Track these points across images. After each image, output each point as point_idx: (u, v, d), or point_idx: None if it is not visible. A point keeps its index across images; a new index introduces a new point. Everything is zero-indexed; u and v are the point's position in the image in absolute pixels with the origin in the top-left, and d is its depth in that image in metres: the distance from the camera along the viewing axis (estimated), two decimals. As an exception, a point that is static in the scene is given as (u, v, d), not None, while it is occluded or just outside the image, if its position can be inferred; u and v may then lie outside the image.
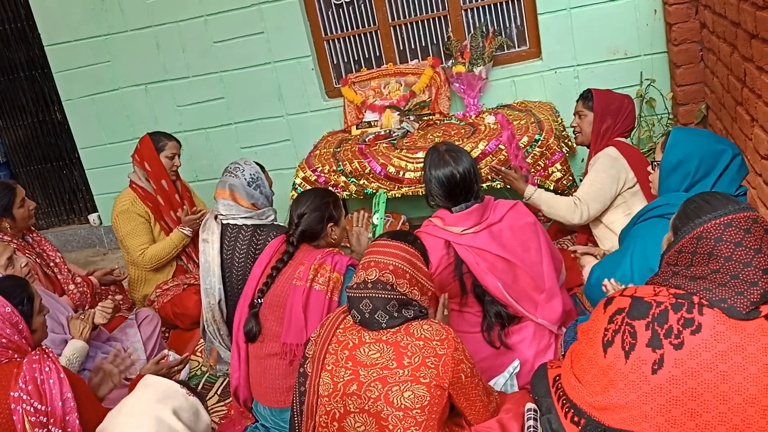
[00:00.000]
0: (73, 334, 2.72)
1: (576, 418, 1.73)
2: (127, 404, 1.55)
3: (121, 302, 3.54)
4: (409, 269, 1.98)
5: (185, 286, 3.61)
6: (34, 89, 5.06)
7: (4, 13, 4.90)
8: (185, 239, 3.59)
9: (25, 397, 1.91)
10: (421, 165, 3.58)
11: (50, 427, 1.93)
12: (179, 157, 3.68)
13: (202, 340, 3.20)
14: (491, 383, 2.33)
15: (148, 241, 3.57)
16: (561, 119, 3.93)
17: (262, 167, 3.11)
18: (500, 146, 3.56)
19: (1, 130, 5.26)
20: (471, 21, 4.19)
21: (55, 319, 2.79)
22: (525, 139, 3.54)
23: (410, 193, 3.69)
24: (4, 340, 1.99)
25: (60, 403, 1.95)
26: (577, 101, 3.12)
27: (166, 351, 2.79)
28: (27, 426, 1.89)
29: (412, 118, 4.10)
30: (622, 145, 2.99)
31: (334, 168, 3.82)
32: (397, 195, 3.73)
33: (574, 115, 3.14)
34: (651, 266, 2.15)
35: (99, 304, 2.88)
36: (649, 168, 2.51)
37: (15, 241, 3.12)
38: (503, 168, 3.17)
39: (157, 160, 3.58)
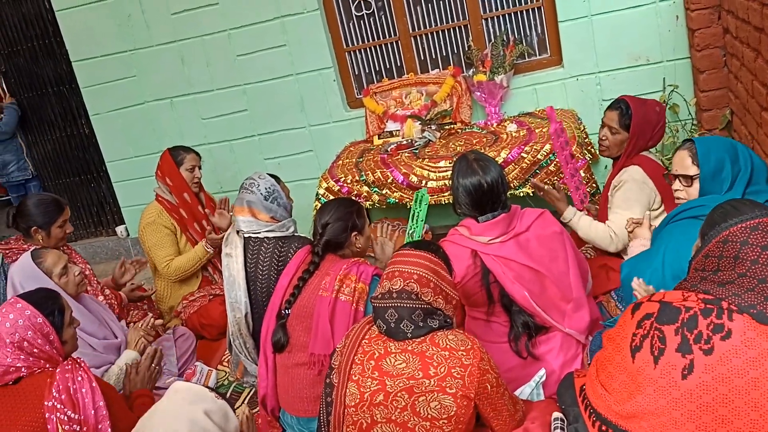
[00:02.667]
0: (129, 344, 2.79)
1: (603, 428, 1.72)
2: (158, 409, 1.57)
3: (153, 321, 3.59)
4: (433, 278, 1.99)
5: (211, 297, 3.65)
6: (62, 104, 5.16)
7: (32, 30, 5.01)
8: (207, 254, 3.63)
9: (59, 406, 1.96)
10: (444, 174, 3.61)
11: (83, 435, 1.97)
12: (200, 168, 3.73)
13: (228, 350, 3.23)
14: (517, 392, 2.32)
15: (173, 253, 3.61)
16: (584, 126, 3.92)
17: (277, 178, 3.13)
18: (522, 154, 3.56)
19: (31, 144, 5.38)
20: (491, 30, 4.20)
21: (105, 325, 2.85)
22: (547, 146, 3.53)
23: (433, 202, 3.70)
24: (36, 350, 2.04)
25: (92, 412, 1.99)
26: (609, 110, 2.99)
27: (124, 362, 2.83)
28: (61, 435, 1.93)
29: (433, 127, 4.12)
30: (647, 163, 2.91)
31: (357, 178, 3.84)
32: (420, 204, 3.74)
33: (602, 125, 3.03)
34: (683, 266, 2.13)
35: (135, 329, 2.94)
36: (675, 183, 2.49)
37: None
38: (546, 186, 3.09)
39: (178, 173, 3.64)
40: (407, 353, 1.92)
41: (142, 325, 2.94)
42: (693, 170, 2.40)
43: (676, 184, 2.48)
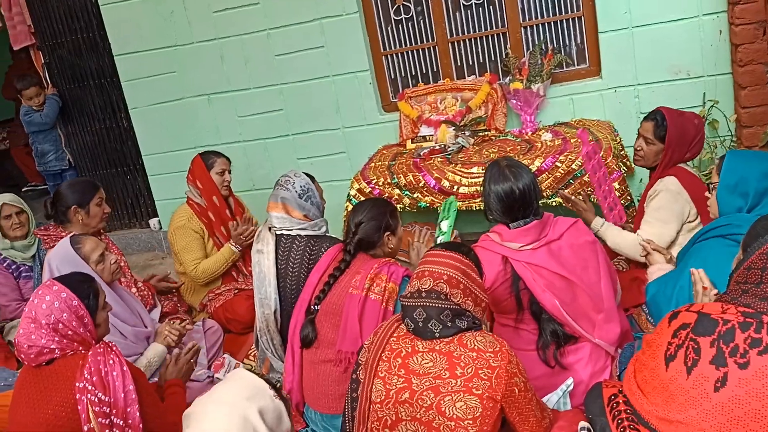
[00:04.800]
0: (158, 338, 2.83)
1: (638, 428, 1.70)
2: (217, 394, 1.55)
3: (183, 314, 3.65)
4: (463, 279, 1.99)
5: (236, 291, 3.69)
6: (102, 97, 5.26)
7: (76, 23, 5.12)
8: (234, 254, 3.68)
9: (90, 387, 1.99)
10: (476, 180, 3.61)
11: (112, 417, 2.00)
12: (230, 173, 3.79)
13: (254, 345, 3.26)
14: (543, 400, 2.30)
15: (201, 257, 3.68)
16: (620, 138, 3.89)
17: (312, 177, 3.16)
18: (557, 163, 3.54)
19: (70, 135, 5.49)
20: (530, 38, 4.19)
21: (136, 314, 2.89)
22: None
23: (464, 208, 3.69)
24: (70, 332, 2.08)
25: (122, 395, 2.02)
26: (645, 121, 2.98)
27: (176, 350, 2.82)
28: (91, 415, 1.96)
29: (467, 133, 4.12)
30: (683, 175, 2.89)
31: (389, 180, 3.86)
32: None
33: (638, 135, 3.03)
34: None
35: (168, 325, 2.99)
36: (707, 193, 2.47)
37: None
38: (573, 197, 3.11)
39: (208, 177, 3.70)
40: (434, 353, 1.92)
41: (174, 323, 2.98)
42: (715, 179, 2.38)
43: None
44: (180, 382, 2.48)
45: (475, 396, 1.84)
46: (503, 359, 1.88)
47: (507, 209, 2.44)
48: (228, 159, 3.79)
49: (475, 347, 1.90)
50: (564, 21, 4.11)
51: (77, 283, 2.16)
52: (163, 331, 2.86)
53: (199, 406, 1.52)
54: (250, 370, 3.15)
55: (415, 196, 3.81)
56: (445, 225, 3.15)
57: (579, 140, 3.52)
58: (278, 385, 1.67)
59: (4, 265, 3.60)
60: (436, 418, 1.86)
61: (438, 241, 3.43)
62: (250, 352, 3.39)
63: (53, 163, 5.48)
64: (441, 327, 1.93)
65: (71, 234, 2.98)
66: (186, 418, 1.51)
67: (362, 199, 3.78)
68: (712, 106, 3.81)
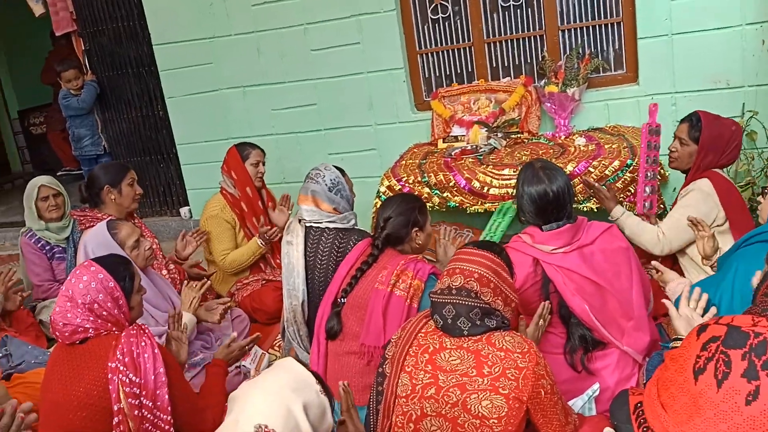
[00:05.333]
0: (183, 303, 2.87)
1: None
2: (263, 382, 1.55)
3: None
4: (494, 279, 1.99)
5: (264, 282, 3.74)
6: (140, 85, 5.34)
7: (118, 11, 5.21)
8: (260, 249, 3.72)
9: (121, 368, 2.03)
10: (507, 182, 3.59)
11: (142, 398, 2.04)
12: (264, 164, 3.83)
13: (280, 336, 3.29)
14: (569, 404, 2.29)
15: (230, 248, 3.73)
16: (654, 146, 3.84)
17: (342, 171, 3.18)
18: (590, 168, 3.51)
19: (107, 121, 5.58)
20: (567, 42, 4.17)
21: (167, 299, 2.94)
22: (616, 163, 3.48)
23: (493, 210, 3.68)
24: (105, 313, 2.12)
25: (153, 377, 2.05)
26: (681, 123, 3.01)
27: (234, 334, 2.88)
28: (122, 395, 2.00)
29: (499, 135, 4.10)
30: (717, 179, 2.88)
31: (419, 179, 3.86)
32: (479, 210, 3.73)
33: (674, 137, 3.04)
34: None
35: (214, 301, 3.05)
36: (760, 197, 2.44)
37: None
38: (596, 183, 3.13)
39: (243, 167, 3.75)
40: (462, 350, 1.92)
41: (196, 286, 3.03)
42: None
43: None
44: (223, 364, 2.52)
45: (502, 396, 1.85)
46: (531, 360, 1.88)
47: (540, 211, 2.43)
48: (263, 151, 3.83)
49: (504, 347, 1.90)
50: (603, 26, 4.08)
51: (114, 265, 2.20)
52: (188, 295, 2.95)
53: (246, 391, 1.53)
54: (275, 360, 3.20)
55: (444, 195, 3.80)
56: (494, 228, 3.16)
57: (649, 114, 3.34)
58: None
59: (39, 245, 3.68)
60: (462, 415, 1.86)
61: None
62: (276, 342, 3.42)
63: (89, 148, 5.58)
64: (470, 325, 1.94)
65: (108, 219, 3.04)
66: (231, 401, 1.53)
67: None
68: (752, 116, 3.75)
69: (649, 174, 3.17)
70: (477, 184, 3.69)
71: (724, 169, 3.01)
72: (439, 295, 1.99)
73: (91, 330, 2.11)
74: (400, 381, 1.98)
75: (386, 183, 3.96)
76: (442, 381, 1.90)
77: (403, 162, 4.11)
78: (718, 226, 2.85)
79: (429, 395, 1.91)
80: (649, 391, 1.84)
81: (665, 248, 2.87)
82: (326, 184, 3.08)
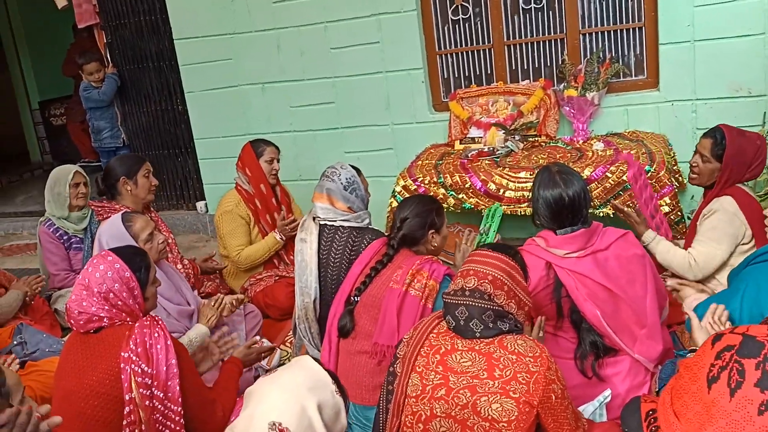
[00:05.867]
0: (201, 319, 2.88)
1: None
2: (280, 379, 1.55)
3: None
4: (507, 281, 1.98)
5: (277, 278, 3.75)
6: (160, 79, 5.38)
7: (140, 5, 5.24)
8: (278, 244, 3.74)
9: (134, 358, 2.04)
10: (523, 185, 3.58)
11: (153, 389, 2.05)
12: (278, 161, 3.85)
13: (291, 332, 3.30)
14: (579, 410, 2.28)
15: (245, 243, 3.75)
16: (674, 153, 3.82)
17: (358, 170, 3.18)
18: (607, 174, 3.49)
19: (126, 114, 5.63)
20: (588, 46, 4.15)
21: (180, 293, 2.96)
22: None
23: (508, 212, 3.67)
24: (120, 303, 2.14)
25: (164, 368, 2.07)
26: (704, 137, 2.92)
27: (257, 337, 2.90)
28: (133, 385, 2.02)
29: (517, 137, 4.09)
30: (740, 195, 2.82)
31: (435, 179, 3.86)
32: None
33: (695, 151, 2.96)
34: (761, 311, 2.06)
35: (228, 296, 3.05)
36: None
37: None
38: (626, 208, 3.08)
39: (257, 164, 3.78)
40: (474, 352, 1.92)
41: (214, 304, 3.03)
42: None
43: None
44: (240, 363, 2.52)
45: (512, 399, 1.84)
46: (542, 365, 1.87)
47: (555, 215, 2.42)
48: (277, 148, 3.85)
49: (516, 350, 1.90)
50: (624, 30, 4.05)
51: (131, 256, 2.22)
52: (207, 312, 2.92)
53: (262, 387, 1.53)
54: (286, 356, 3.21)
55: (460, 196, 3.80)
56: (489, 230, 3.15)
57: (625, 162, 3.46)
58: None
59: (57, 235, 3.72)
60: (471, 417, 1.86)
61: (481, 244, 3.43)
62: (287, 338, 3.43)
63: (108, 141, 5.62)
64: (482, 327, 1.93)
65: (123, 211, 3.06)
66: (247, 396, 1.54)
67: (407, 196, 3.78)
68: (773, 126, 3.72)
69: (650, 209, 3.15)
70: (493, 186, 3.68)
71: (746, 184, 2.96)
72: (453, 296, 1.99)
73: (105, 319, 2.13)
74: (410, 381, 1.98)
75: (402, 183, 3.97)
76: (452, 382, 1.90)
77: (419, 162, 4.11)
78: (744, 244, 2.80)
79: (439, 396, 1.91)
80: (663, 399, 1.83)
81: (697, 276, 2.82)
82: (342, 183, 3.08)
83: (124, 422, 2.04)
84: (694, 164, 2.96)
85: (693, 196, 3.86)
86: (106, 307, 2.12)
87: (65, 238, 3.75)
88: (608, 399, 2.34)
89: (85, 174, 3.80)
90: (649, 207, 3.20)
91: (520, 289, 2.01)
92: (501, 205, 3.59)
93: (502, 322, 1.95)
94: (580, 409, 2.29)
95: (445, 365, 1.93)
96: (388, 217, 4.02)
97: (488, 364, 1.89)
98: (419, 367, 1.98)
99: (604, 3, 4.05)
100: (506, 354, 1.89)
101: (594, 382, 2.39)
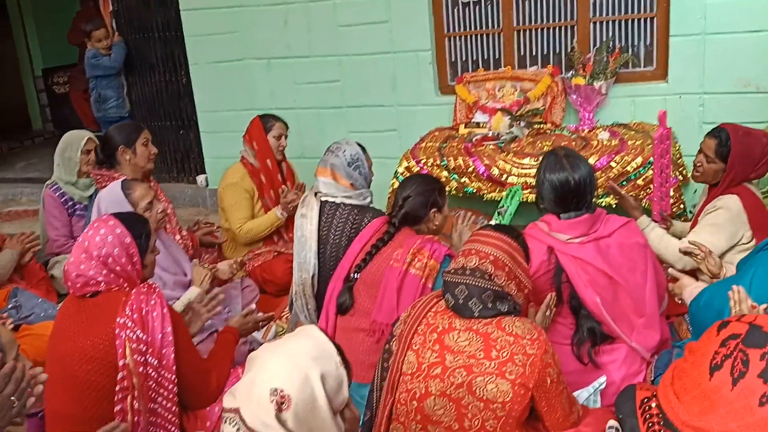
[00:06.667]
0: (194, 280, 2.87)
1: None
2: (284, 346, 1.52)
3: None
4: (509, 262, 1.97)
5: (276, 254, 3.74)
6: (165, 50, 5.34)
7: (148, -26, 5.20)
8: (279, 220, 3.73)
9: (129, 324, 2.03)
10: (526, 171, 3.57)
11: (147, 356, 2.04)
12: (286, 138, 3.83)
13: (287, 308, 3.29)
14: (574, 395, 2.27)
15: (248, 216, 3.73)
16: (679, 146, 3.80)
17: (363, 148, 3.16)
18: (611, 163, 3.47)
19: (130, 84, 5.58)
20: (598, 34, 4.11)
21: (178, 264, 2.95)
22: (639, 159, 3.44)
23: (511, 198, 3.65)
24: (118, 268, 2.12)
25: (160, 336, 2.05)
26: (708, 137, 2.89)
27: (253, 306, 2.87)
28: (128, 351, 2.00)
29: (522, 124, 4.06)
30: (747, 196, 2.79)
31: (438, 162, 3.84)
32: (497, 198, 3.70)
33: (699, 150, 2.93)
34: (769, 295, 2.06)
35: (226, 261, 3.03)
36: None
37: None
38: (623, 192, 3.06)
39: (265, 139, 3.75)
40: (471, 332, 1.91)
41: (207, 265, 3.03)
42: None
43: None
44: (236, 332, 2.50)
45: (508, 381, 1.83)
46: (540, 348, 1.86)
47: (560, 199, 2.40)
48: (286, 124, 3.83)
49: (513, 332, 1.89)
50: (635, 20, 4.02)
51: (132, 222, 2.20)
52: (199, 273, 2.91)
53: (265, 353, 1.51)
54: (282, 332, 3.20)
55: (462, 180, 3.78)
56: (505, 212, 3.13)
57: (658, 121, 3.28)
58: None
59: (62, 200, 3.70)
60: (466, 396, 1.85)
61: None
62: (284, 314, 3.42)
63: (113, 111, 5.56)
64: (481, 307, 1.92)
65: (123, 179, 3.04)
66: (250, 361, 1.51)
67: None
68: (780, 123, 3.69)
69: (661, 182, 3.11)
70: (496, 171, 3.66)
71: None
72: (453, 274, 1.97)
73: (102, 284, 2.11)
74: (406, 359, 1.97)
75: (405, 164, 3.94)
76: (449, 361, 1.89)
77: (423, 144, 4.09)
78: (743, 244, 2.79)
79: (435, 374, 1.90)
80: (665, 377, 1.82)
81: (687, 265, 2.81)
82: (346, 159, 3.06)
83: (117, 387, 2.02)
84: (698, 163, 2.94)
85: (696, 190, 3.84)
86: (104, 272, 2.11)
87: (70, 203, 3.73)
88: (603, 386, 2.33)
89: (97, 141, 3.78)
90: (662, 174, 3.13)
91: (521, 270, 1.99)
92: (521, 188, 3.55)
93: (501, 302, 1.94)
94: (575, 394, 2.28)
95: (442, 344, 1.92)
96: (389, 198, 4.00)
97: (485, 344, 1.88)
98: (415, 345, 1.97)
99: (616, -9, 4.02)
100: (504, 335, 1.88)
101: (590, 368, 2.39)
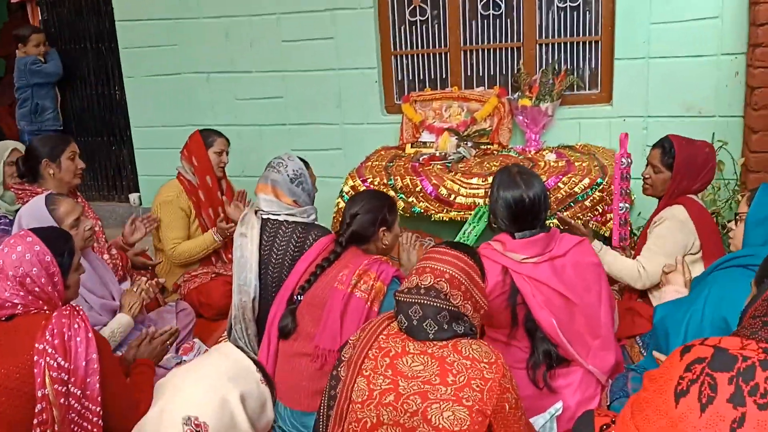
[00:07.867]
0: (122, 308, 2.66)
1: None
2: (196, 368, 1.37)
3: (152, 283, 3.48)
4: (465, 281, 1.87)
5: (213, 275, 3.55)
6: (98, 62, 5.12)
7: (80, -19, 4.98)
8: (216, 243, 3.56)
9: (50, 350, 1.83)
10: (475, 192, 3.51)
11: (70, 386, 1.84)
12: (227, 154, 3.68)
13: (225, 334, 3.10)
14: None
15: (183, 236, 3.55)
16: (624, 168, 3.81)
17: (306, 163, 3.04)
18: (559, 184, 3.45)
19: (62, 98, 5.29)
20: (544, 56, 4.13)
21: (105, 285, 2.73)
22: (586, 180, 3.42)
23: (459, 219, 3.58)
24: (37, 289, 1.92)
25: (84, 363, 1.86)
26: (653, 149, 2.94)
27: (153, 328, 2.65)
28: (47, 380, 1.80)
29: (469, 144, 4.02)
30: (692, 205, 2.82)
31: (385, 181, 3.74)
32: (444, 218, 3.62)
33: (647, 164, 2.96)
34: (724, 315, 2.03)
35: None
36: (732, 224, 2.40)
37: None
38: (573, 221, 3.05)
39: (205, 155, 3.59)
40: (426, 356, 1.79)
41: (136, 289, 2.82)
42: (744, 209, 2.30)
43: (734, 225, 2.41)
44: (150, 363, 2.31)
45: (465, 407, 1.71)
46: (498, 372, 1.76)
47: (514, 218, 2.33)
48: (227, 140, 3.68)
49: (470, 355, 1.78)
50: (581, 43, 4.05)
51: (53, 239, 2.00)
52: (128, 300, 2.70)
53: (176, 378, 1.34)
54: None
55: (410, 200, 3.69)
56: (470, 233, 3.05)
57: (619, 144, 3.27)
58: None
59: (-14, 214, 3.41)
60: (421, 425, 1.72)
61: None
62: (221, 339, 3.22)
63: (50, 122, 5.21)
64: (436, 328, 1.81)
65: (48, 193, 2.81)
66: (159, 387, 1.34)
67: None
68: (721, 147, 3.75)
69: (622, 206, 3.11)
70: (444, 191, 3.59)
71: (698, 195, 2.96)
72: (407, 294, 1.86)
73: (19, 306, 1.91)
74: (356, 385, 1.83)
75: (350, 183, 3.83)
76: (402, 388, 1.76)
77: (369, 163, 3.99)
78: (692, 254, 2.79)
79: (387, 402, 1.77)
80: (623, 413, 1.74)
81: (647, 283, 2.80)
82: (288, 175, 2.93)
83: (35, 421, 1.81)
84: (646, 176, 2.97)
85: (640, 213, 3.87)
86: (22, 293, 1.91)
87: (-5, 217, 3.44)
88: (560, 411, 2.25)
89: (22, 152, 3.51)
90: (622, 197, 3.12)
91: (478, 290, 1.90)
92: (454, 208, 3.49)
93: (457, 324, 1.83)
94: (531, 420, 2.19)
95: (394, 369, 1.80)
96: (334, 217, 3.88)
97: (441, 369, 1.76)
98: (366, 371, 1.83)
99: (562, 14, 4.04)
100: (460, 359, 1.77)
101: (545, 393, 2.30)
